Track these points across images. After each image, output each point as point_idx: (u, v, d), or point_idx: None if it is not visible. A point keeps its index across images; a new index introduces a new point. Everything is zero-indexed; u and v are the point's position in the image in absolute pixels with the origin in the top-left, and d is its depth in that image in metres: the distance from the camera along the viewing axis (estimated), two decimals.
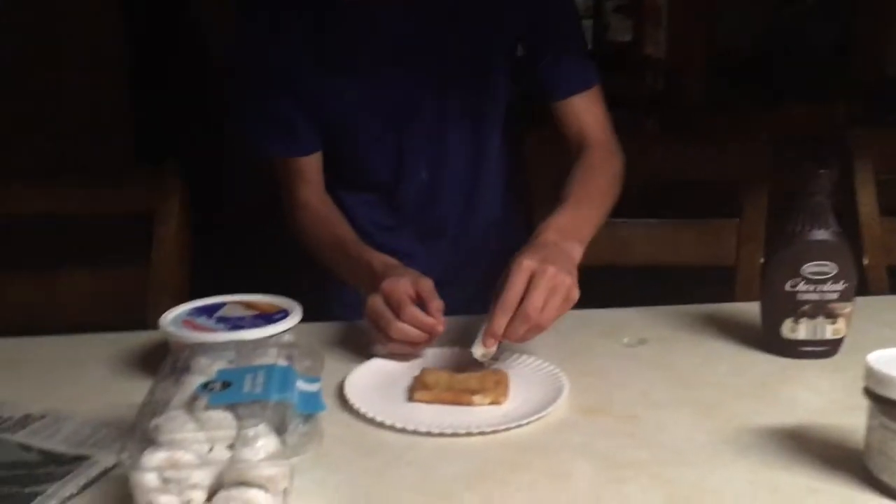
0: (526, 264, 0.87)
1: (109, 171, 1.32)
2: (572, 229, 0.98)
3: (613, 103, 1.21)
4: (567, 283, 0.87)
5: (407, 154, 1.18)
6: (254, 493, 0.59)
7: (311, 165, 1.17)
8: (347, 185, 1.22)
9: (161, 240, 1.22)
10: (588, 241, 1.00)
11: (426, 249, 1.24)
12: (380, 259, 1.01)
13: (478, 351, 0.88)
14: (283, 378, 0.68)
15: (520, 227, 1.25)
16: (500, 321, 0.86)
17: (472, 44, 1.13)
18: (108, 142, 2.67)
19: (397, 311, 0.90)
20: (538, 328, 0.86)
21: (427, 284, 0.93)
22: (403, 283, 0.92)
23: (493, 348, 0.88)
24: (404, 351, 0.92)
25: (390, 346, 0.92)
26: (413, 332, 0.90)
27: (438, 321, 0.90)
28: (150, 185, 1.25)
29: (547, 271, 0.86)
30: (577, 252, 0.95)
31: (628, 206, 1.18)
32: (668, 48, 4.36)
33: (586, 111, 1.16)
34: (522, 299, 0.85)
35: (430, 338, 0.91)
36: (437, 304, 0.92)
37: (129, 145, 2.81)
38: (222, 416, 0.62)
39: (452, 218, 1.25)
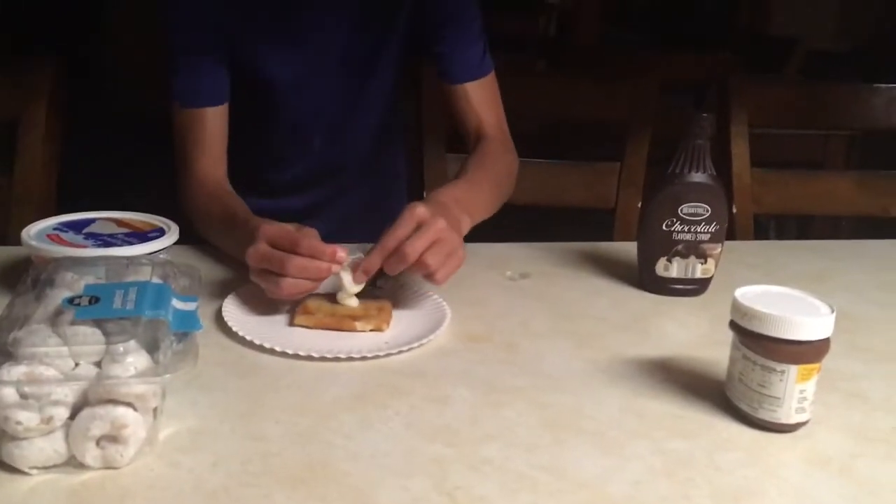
0: (418, 211, 0.84)
1: None
2: (466, 202, 0.95)
3: (506, 47, 1.20)
4: (455, 241, 0.85)
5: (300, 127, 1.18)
6: (122, 411, 0.57)
7: (213, 127, 1.09)
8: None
9: (25, 148, 1.13)
10: (476, 223, 0.97)
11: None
12: (265, 222, 0.90)
13: (343, 297, 0.85)
14: (157, 295, 0.65)
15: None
16: (375, 261, 0.83)
17: (371, 34, 1.13)
18: None
19: (292, 248, 0.81)
20: (424, 268, 0.82)
21: (312, 230, 0.85)
22: (285, 225, 0.85)
23: (360, 286, 0.85)
24: (304, 288, 0.82)
25: (286, 285, 0.81)
26: (312, 265, 0.81)
27: (340, 250, 0.83)
28: (15, 88, 1.15)
29: (437, 223, 0.83)
30: (465, 224, 0.93)
31: (516, 146, 1.19)
32: None
33: (482, 102, 1.16)
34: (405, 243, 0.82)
35: (330, 272, 0.83)
36: (333, 246, 0.84)
37: None
38: (89, 332, 0.59)
39: (328, 201, 1.25)
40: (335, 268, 0.82)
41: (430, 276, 0.84)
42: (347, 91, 1.17)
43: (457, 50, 1.14)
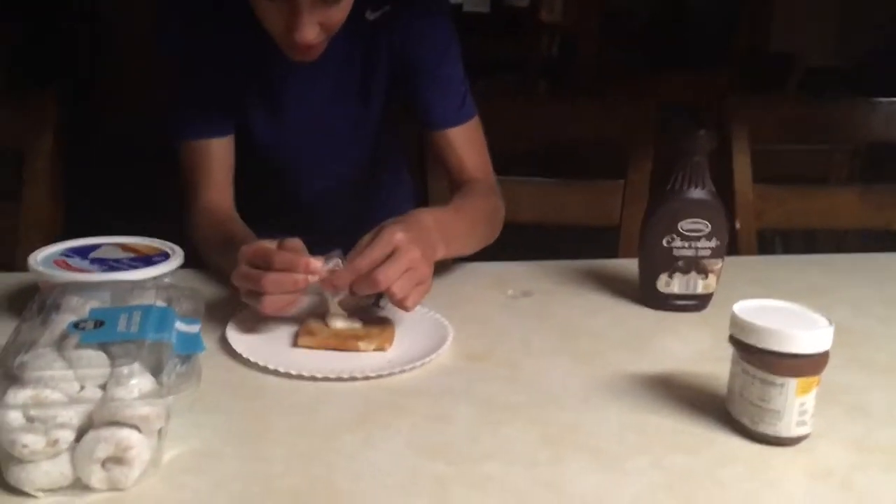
0: (397, 238, 0.82)
1: None
2: (447, 228, 0.94)
3: (508, 68, 1.21)
4: (424, 273, 0.84)
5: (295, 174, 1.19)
6: (126, 433, 0.58)
7: (219, 158, 1.11)
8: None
9: (32, 176, 1.15)
10: (452, 254, 0.97)
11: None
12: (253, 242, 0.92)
13: (332, 318, 0.87)
14: (161, 318, 0.66)
15: None
16: (345, 279, 0.82)
17: (351, 99, 1.14)
18: None
19: (267, 265, 0.82)
20: (390, 294, 0.82)
21: (294, 242, 0.85)
22: (264, 242, 0.85)
23: (340, 297, 0.86)
24: (285, 303, 0.83)
25: (267, 302, 0.82)
26: (287, 278, 0.82)
27: (313, 261, 0.83)
28: (22, 116, 1.17)
29: (411, 252, 0.82)
30: (440, 252, 0.91)
31: (518, 165, 1.20)
32: (563, 14, 4.42)
33: (465, 147, 1.14)
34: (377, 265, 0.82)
35: (307, 282, 0.83)
36: (307, 257, 0.85)
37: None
38: (94, 355, 0.59)
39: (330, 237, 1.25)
40: (312, 278, 0.82)
41: (398, 303, 0.83)
42: (331, 152, 1.18)
43: (434, 99, 1.12)
